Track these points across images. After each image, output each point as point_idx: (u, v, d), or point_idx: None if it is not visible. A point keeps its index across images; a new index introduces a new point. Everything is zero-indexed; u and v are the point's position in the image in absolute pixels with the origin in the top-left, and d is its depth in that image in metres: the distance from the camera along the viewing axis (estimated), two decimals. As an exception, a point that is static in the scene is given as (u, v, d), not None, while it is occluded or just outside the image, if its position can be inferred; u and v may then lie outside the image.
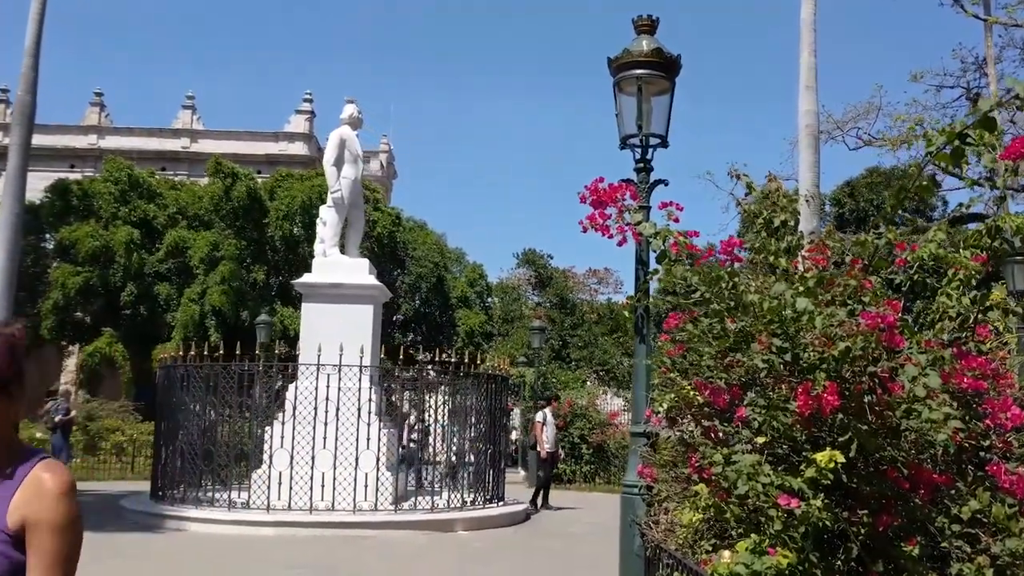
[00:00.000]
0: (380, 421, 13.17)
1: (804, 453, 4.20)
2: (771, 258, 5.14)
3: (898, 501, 4.12)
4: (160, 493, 13.27)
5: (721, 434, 4.64)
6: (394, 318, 35.76)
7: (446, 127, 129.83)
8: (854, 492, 4.17)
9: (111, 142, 47.19)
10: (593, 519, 15.38)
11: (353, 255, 15.05)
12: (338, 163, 14.71)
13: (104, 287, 31.60)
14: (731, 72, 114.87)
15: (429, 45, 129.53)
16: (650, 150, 6.52)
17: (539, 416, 17.01)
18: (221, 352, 13.46)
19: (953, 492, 4.17)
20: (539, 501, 16.18)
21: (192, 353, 13.25)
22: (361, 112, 15.29)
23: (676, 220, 5.85)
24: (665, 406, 5.03)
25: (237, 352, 12.90)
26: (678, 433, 5.22)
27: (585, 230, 5.95)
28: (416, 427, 17.17)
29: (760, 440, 4.25)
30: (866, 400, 3.96)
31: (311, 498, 12.12)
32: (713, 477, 4.35)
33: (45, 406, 24.12)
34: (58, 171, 39.83)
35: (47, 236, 33.19)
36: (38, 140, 47.91)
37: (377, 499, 12.50)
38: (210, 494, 12.82)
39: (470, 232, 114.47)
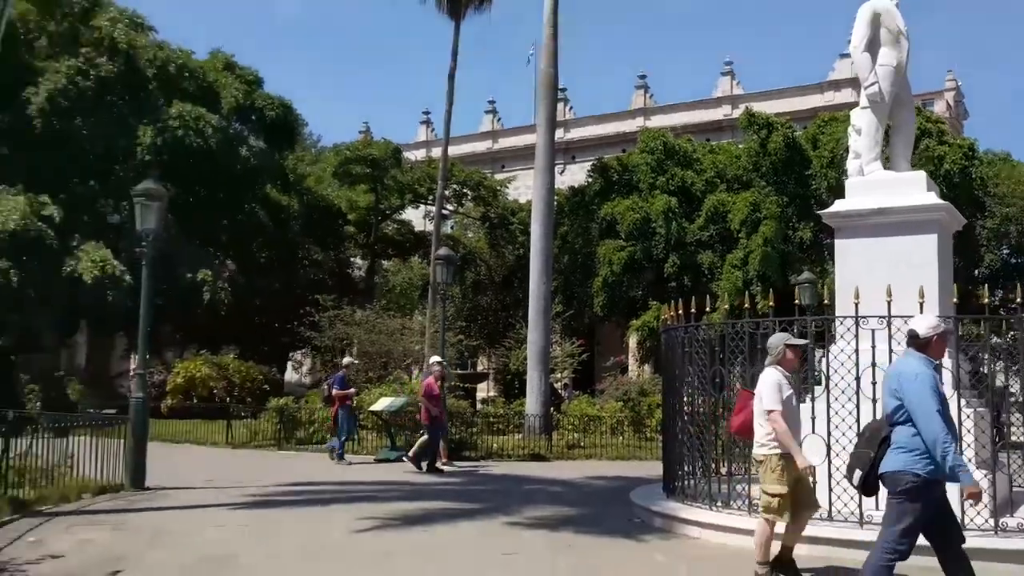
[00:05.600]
0: (959, 396, 8.92)
1: None
2: None
3: None
4: (671, 486, 10.81)
5: None
6: (975, 272, 29.24)
7: None
8: None
9: (656, 121, 47.52)
10: None
11: (902, 169, 10.96)
12: (871, 47, 10.72)
13: (647, 260, 31.04)
14: None
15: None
16: None
17: None
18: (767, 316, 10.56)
19: None
20: None
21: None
22: (901, -25, 11.05)
23: None
24: None
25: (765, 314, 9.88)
26: None
27: None
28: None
29: None
30: None
31: (860, 505, 8.54)
32: None
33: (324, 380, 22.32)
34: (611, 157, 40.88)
35: (594, 216, 33.83)
36: (591, 131, 50.86)
37: (962, 510, 8.36)
38: (728, 489, 9.88)
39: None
